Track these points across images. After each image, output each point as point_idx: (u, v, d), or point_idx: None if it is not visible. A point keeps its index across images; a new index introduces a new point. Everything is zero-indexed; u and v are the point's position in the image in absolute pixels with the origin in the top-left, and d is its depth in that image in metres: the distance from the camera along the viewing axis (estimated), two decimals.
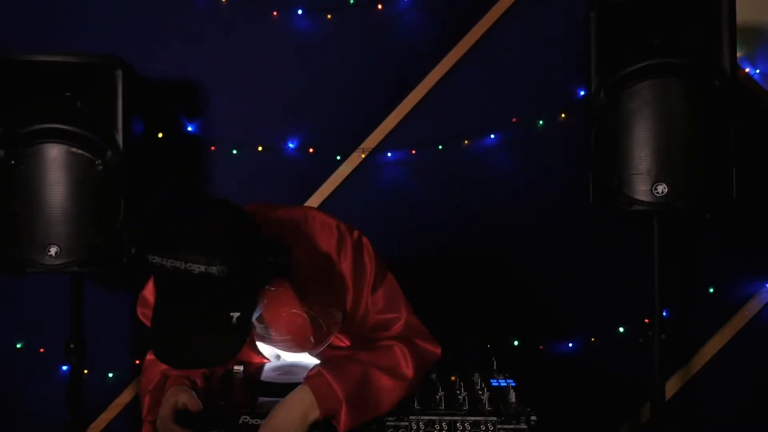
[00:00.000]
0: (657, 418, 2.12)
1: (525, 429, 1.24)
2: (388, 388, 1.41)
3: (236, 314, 1.23)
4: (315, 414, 1.35)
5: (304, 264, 1.46)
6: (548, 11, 2.52)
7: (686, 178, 1.92)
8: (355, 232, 1.59)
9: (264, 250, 1.30)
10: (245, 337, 1.26)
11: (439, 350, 1.56)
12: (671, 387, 2.53)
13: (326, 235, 1.54)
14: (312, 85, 2.55)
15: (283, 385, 1.45)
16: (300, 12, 2.52)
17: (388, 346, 1.49)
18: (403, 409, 1.27)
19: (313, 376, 1.41)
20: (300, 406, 1.35)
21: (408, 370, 1.44)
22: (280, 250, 1.33)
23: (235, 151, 2.55)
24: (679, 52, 1.95)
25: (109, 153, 2.03)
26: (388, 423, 1.25)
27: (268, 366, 1.62)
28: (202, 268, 1.18)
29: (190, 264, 1.18)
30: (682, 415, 2.53)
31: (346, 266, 1.53)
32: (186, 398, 1.37)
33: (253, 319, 1.33)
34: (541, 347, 2.55)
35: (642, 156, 1.95)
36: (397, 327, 1.54)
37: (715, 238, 2.53)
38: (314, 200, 2.54)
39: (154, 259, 1.21)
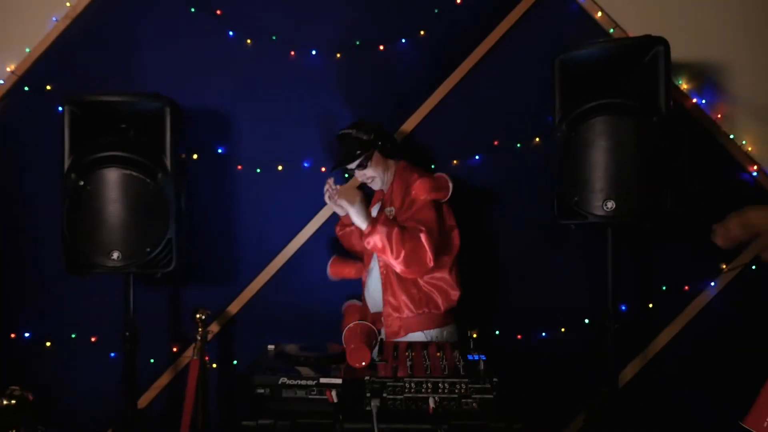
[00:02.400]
0: (612, 394, 2.53)
1: (489, 387, 1.67)
2: (396, 239, 2.36)
3: (366, 153, 2.56)
4: (366, 222, 2.39)
5: (398, 185, 2.58)
6: (524, 53, 2.91)
7: (630, 196, 2.32)
8: (427, 189, 2.49)
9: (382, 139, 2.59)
10: (367, 154, 2.57)
11: (429, 264, 2.39)
12: (631, 370, 2.94)
13: (409, 177, 2.56)
14: (324, 113, 2.95)
15: (307, 358, 1.90)
16: (314, 52, 2.93)
17: (411, 230, 2.40)
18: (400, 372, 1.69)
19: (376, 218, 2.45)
20: (366, 213, 2.42)
21: (404, 247, 2.35)
22: (393, 143, 2.64)
23: (258, 170, 2.96)
24: (626, 94, 2.36)
25: (160, 174, 2.45)
26: (387, 383, 1.67)
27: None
28: (351, 131, 2.58)
29: (349, 131, 2.58)
30: (639, 393, 2.93)
31: (405, 194, 2.54)
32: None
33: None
34: (519, 336, 2.95)
35: (595, 177, 2.36)
36: (415, 230, 2.40)
37: (668, 244, 2.93)
38: (326, 212, 2.95)
39: (339, 132, 2.63)
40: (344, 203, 2.43)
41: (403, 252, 2.36)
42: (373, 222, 2.42)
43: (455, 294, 2.58)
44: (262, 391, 1.70)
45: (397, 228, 2.39)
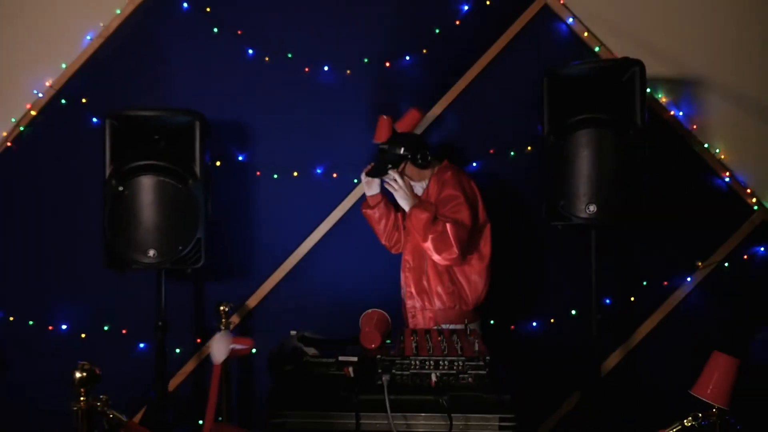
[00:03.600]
0: (596, 379, 2.80)
1: (482, 365, 1.95)
2: (424, 225, 2.67)
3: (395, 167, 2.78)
4: (410, 204, 2.74)
5: (434, 185, 2.82)
6: (517, 69, 3.16)
7: (609, 200, 2.59)
8: (461, 184, 2.77)
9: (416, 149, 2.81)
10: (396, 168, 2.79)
11: (455, 253, 2.64)
12: (615, 357, 3.20)
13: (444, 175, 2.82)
14: (335, 124, 3.20)
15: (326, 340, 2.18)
16: (326, 68, 3.18)
17: (440, 221, 2.67)
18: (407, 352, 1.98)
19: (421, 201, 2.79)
20: (409, 195, 2.76)
21: (430, 233, 2.64)
22: (424, 154, 2.80)
23: (275, 176, 3.21)
24: (607, 109, 2.62)
25: (190, 181, 2.72)
26: (396, 361, 1.96)
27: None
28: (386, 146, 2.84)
29: (384, 146, 2.85)
30: (623, 378, 3.20)
31: (440, 192, 2.79)
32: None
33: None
34: (512, 327, 3.22)
35: (579, 183, 2.62)
36: (443, 221, 2.68)
37: (649, 243, 3.18)
38: (336, 214, 3.21)
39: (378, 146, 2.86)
40: (395, 183, 2.74)
41: (430, 236, 2.64)
42: (416, 205, 2.74)
43: (484, 291, 2.82)
44: (290, 368, 1.99)
45: (430, 214, 2.67)
